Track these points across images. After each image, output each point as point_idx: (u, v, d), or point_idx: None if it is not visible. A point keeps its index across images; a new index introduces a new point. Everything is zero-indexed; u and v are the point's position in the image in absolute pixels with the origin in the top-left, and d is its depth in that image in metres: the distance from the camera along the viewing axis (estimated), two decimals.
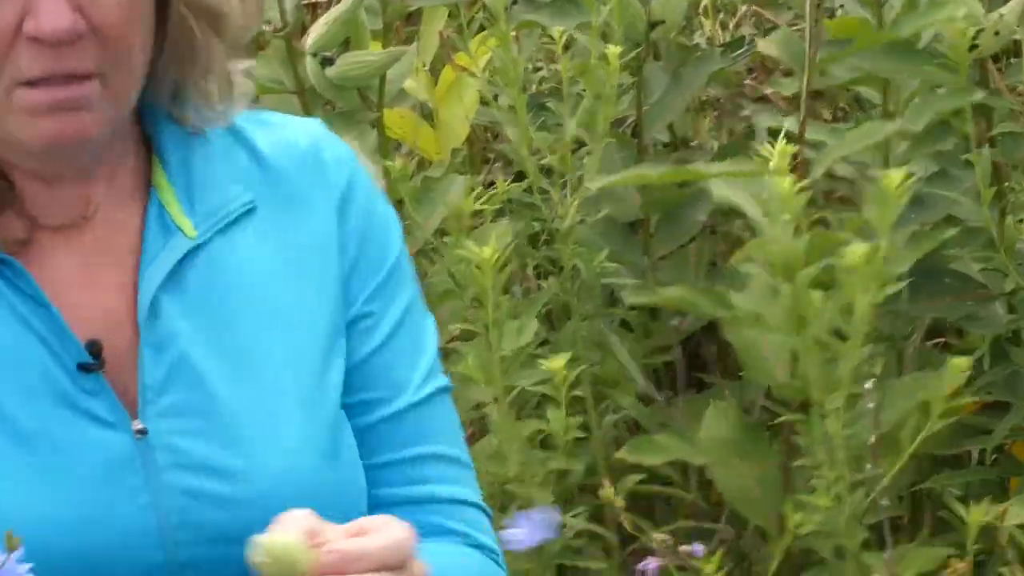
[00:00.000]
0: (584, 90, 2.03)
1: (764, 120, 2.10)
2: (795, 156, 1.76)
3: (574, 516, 1.76)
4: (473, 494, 1.50)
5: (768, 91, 2.14)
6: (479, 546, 1.48)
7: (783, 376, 1.79)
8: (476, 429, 1.93)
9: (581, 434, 1.77)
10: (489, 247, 1.70)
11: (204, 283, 1.44)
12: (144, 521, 1.40)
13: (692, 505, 1.98)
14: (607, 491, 1.50)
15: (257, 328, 1.45)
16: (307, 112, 2.04)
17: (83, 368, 1.39)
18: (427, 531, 1.46)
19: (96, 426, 1.40)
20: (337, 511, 1.43)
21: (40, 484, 1.41)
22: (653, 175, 1.94)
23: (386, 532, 1.26)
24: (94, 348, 1.41)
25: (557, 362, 1.71)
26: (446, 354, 1.90)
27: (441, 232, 1.90)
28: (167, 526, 1.41)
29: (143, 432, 1.40)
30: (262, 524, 1.39)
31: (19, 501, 1.41)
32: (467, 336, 1.88)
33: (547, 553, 1.75)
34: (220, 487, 1.41)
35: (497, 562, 1.49)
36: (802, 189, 1.69)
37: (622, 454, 1.84)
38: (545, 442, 1.82)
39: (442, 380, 1.50)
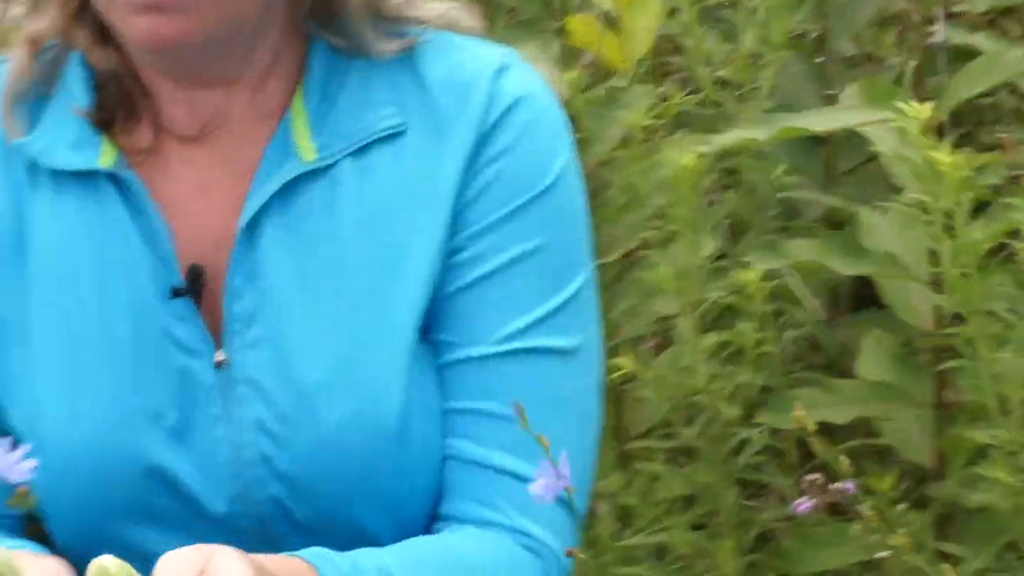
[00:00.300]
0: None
1: (953, 36, 2.05)
2: None
3: (759, 432, 1.74)
4: (532, 469, 1.37)
5: (959, 8, 2.10)
6: (512, 529, 1.41)
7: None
8: (660, 340, 1.92)
9: (768, 348, 1.75)
10: (680, 158, 1.68)
11: (313, 210, 1.42)
12: (218, 453, 1.40)
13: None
14: (798, 412, 1.46)
15: (356, 264, 1.41)
16: (490, 21, 2.02)
17: (177, 292, 1.39)
18: (463, 500, 1.43)
19: (180, 353, 1.40)
20: (405, 463, 1.43)
21: (114, 404, 1.41)
22: (798, 128, 1.88)
23: None
24: (193, 273, 1.40)
25: (750, 274, 1.70)
26: (628, 267, 1.89)
27: (623, 143, 1.89)
28: (240, 460, 1.40)
29: (225, 363, 1.40)
30: (332, 469, 1.39)
31: (91, 416, 1.41)
32: (647, 249, 1.86)
33: (730, 466, 1.73)
34: (292, 427, 1.39)
35: (533, 548, 1.42)
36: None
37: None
38: (728, 357, 1.80)
39: (542, 342, 1.43)
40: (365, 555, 1.32)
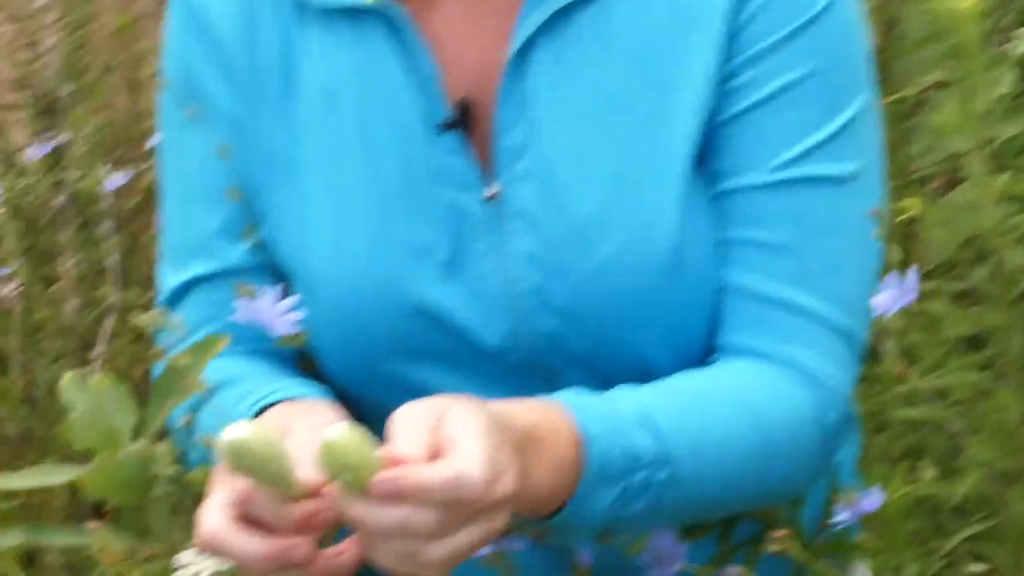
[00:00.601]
0: None
1: None
2: None
3: None
4: (812, 301, 1.39)
5: None
6: (789, 361, 1.39)
7: None
8: (949, 178, 1.88)
9: None
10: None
11: (584, 38, 1.41)
12: (491, 287, 1.41)
13: None
14: None
15: (628, 92, 1.41)
16: None
17: (445, 126, 1.39)
18: (738, 331, 1.42)
19: (450, 187, 1.41)
20: (680, 294, 1.40)
21: (384, 241, 1.44)
22: None
23: (460, 460, 1.14)
24: (462, 106, 1.40)
25: None
26: (920, 104, 1.85)
27: None
28: (513, 293, 1.40)
29: (496, 196, 1.39)
30: (606, 301, 1.38)
31: (360, 253, 1.44)
32: (941, 86, 1.82)
33: (1018, 310, 1.69)
34: (565, 259, 1.40)
35: (810, 381, 1.39)
36: None
37: None
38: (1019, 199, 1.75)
39: (818, 170, 1.40)
40: (625, 396, 1.32)
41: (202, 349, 1.37)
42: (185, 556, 1.29)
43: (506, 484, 1.16)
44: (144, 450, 1.35)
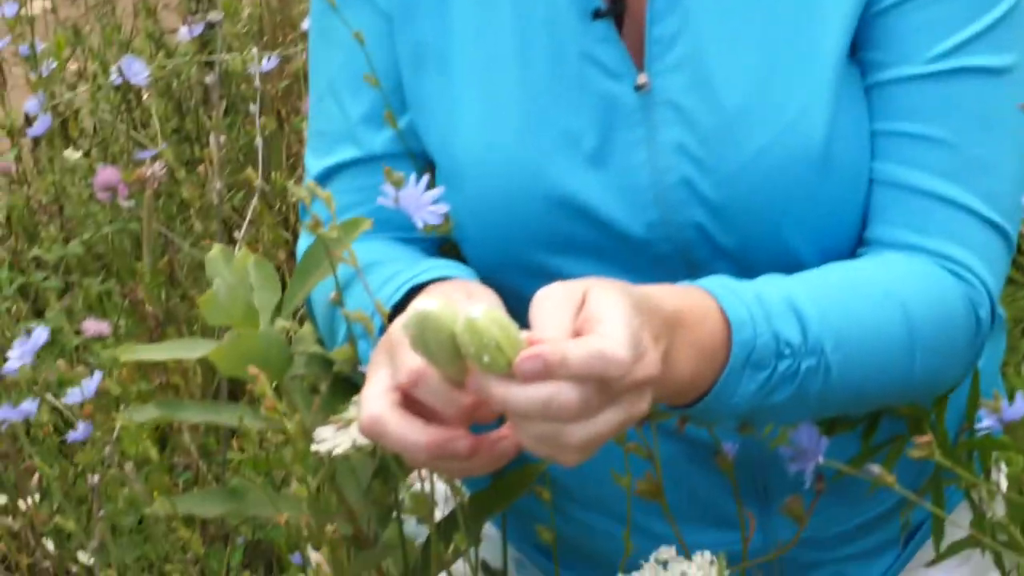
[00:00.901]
0: None
1: None
2: None
3: None
4: (966, 196, 1.36)
5: None
6: (939, 254, 1.36)
7: None
8: None
9: None
10: None
11: None
12: (639, 177, 1.39)
13: None
14: None
15: None
16: None
17: (598, 14, 1.36)
18: (888, 224, 1.40)
19: (600, 75, 1.39)
20: (831, 187, 1.37)
21: (533, 130, 1.43)
22: None
23: (604, 338, 1.12)
24: None
25: None
26: None
27: None
28: (661, 184, 1.38)
29: (646, 86, 1.36)
30: (756, 193, 1.36)
31: (509, 143, 1.43)
32: None
33: None
34: (707, 151, 1.38)
35: (960, 274, 1.36)
36: None
37: None
38: None
39: (974, 61, 1.37)
40: (771, 284, 1.30)
41: (347, 228, 1.36)
42: (324, 432, 1.29)
43: (648, 366, 1.15)
44: (283, 328, 1.34)
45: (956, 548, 1.47)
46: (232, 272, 1.35)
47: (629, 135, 1.41)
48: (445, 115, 1.46)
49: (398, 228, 1.48)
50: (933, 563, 1.53)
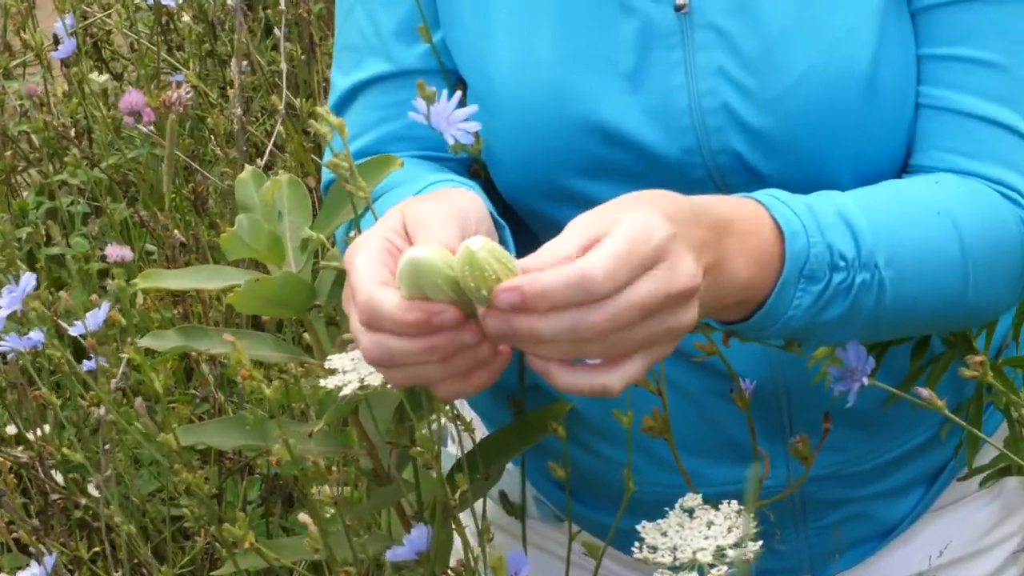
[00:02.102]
0: None
1: None
2: None
3: None
4: (1018, 120, 1.33)
5: None
6: (991, 179, 1.33)
7: None
8: None
9: None
10: None
11: None
12: (676, 101, 1.36)
13: None
14: None
15: None
16: None
17: None
18: (937, 150, 1.35)
19: None
20: (875, 114, 1.33)
21: (569, 52, 1.39)
22: None
23: (583, 261, 1.09)
24: None
25: None
26: None
27: None
28: (698, 110, 1.35)
29: (685, 7, 1.34)
30: (783, 124, 1.32)
31: (544, 65, 1.39)
32: None
33: None
34: (748, 76, 1.35)
35: (1015, 199, 1.32)
36: None
37: None
38: None
39: None
40: (821, 197, 1.26)
41: (376, 165, 1.31)
42: (338, 360, 1.24)
43: (682, 276, 1.11)
44: (305, 268, 1.29)
45: (988, 467, 1.45)
46: (260, 200, 1.30)
47: (666, 57, 1.37)
48: (480, 35, 1.42)
49: (427, 145, 1.46)
50: (964, 478, 1.52)
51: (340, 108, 1.51)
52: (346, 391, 1.21)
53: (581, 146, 1.39)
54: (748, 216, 1.22)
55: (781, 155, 1.36)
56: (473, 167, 1.48)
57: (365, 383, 1.21)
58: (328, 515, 1.29)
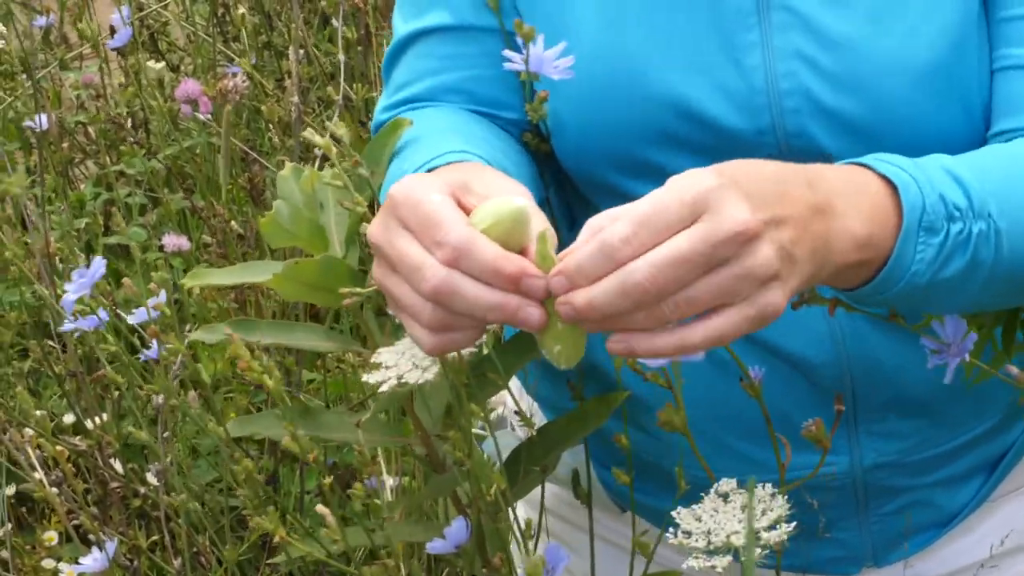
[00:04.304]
0: None
1: None
2: None
3: None
4: None
5: None
6: None
7: None
8: None
9: None
10: None
11: None
12: (752, 81, 1.35)
13: None
14: None
15: None
16: None
17: None
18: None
19: None
20: (954, 97, 1.34)
21: (649, 28, 1.39)
22: None
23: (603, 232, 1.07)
24: None
25: None
26: None
27: None
28: (775, 91, 1.35)
29: None
30: (866, 108, 1.30)
31: (626, 39, 1.39)
32: None
33: None
34: (831, 59, 1.34)
35: None
36: None
37: None
38: None
39: None
40: (922, 158, 1.23)
41: (386, 133, 1.30)
42: (384, 355, 1.23)
43: (727, 220, 1.07)
44: (351, 256, 1.28)
45: None
46: (300, 189, 1.29)
47: (744, 38, 1.37)
48: (557, 5, 1.41)
49: (481, 101, 1.45)
50: None
51: (397, 53, 1.51)
52: (384, 388, 1.19)
53: (655, 120, 1.38)
54: (852, 175, 1.19)
55: (859, 138, 1.35)
56: (526, 134, 1.47)
57: (403, 380, 1.20)
58: (381, 503, 1.29)
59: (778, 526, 1.14)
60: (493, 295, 1.09)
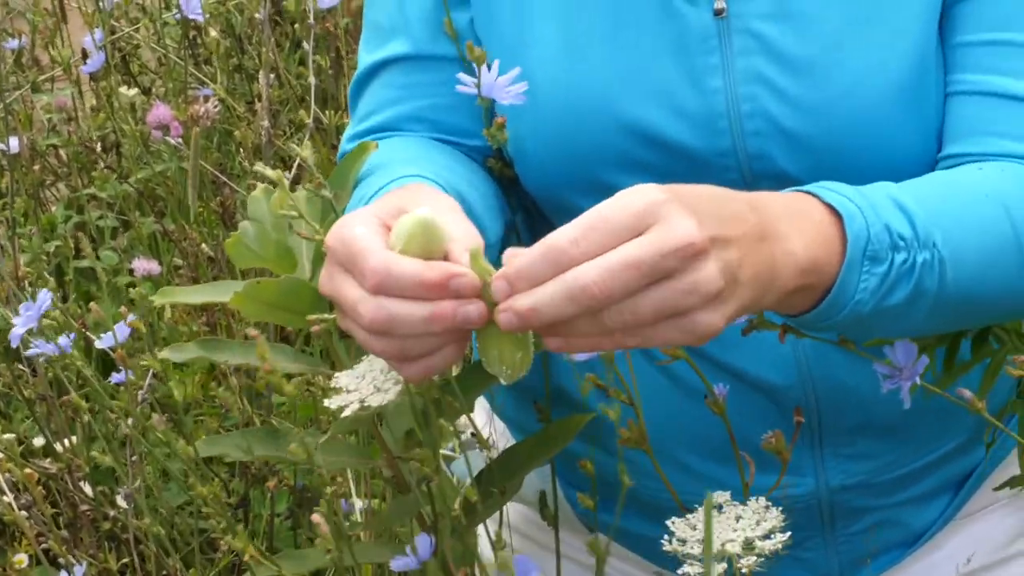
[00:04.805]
0: None
1: None
2: None
3: None
4: None
5: None
6: None
7: None
8: None
9: None
10: None
11: None
12: (713, 104, 1.36)
13: None
14: None
15: None
16: None
17: None
18: (980, 136, 1.34)
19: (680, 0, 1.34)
20: (918, 118, 1.35)
21: (609, 52, 1.39)
22: None
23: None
24: None
25: None
26: None
27: None
28: (736, 114, 1.36)
29: (723, 12, 1.35)
30: (827, 132, 1.31)
31: (587, 63, 1.39)
32: None
33: None
34: (792, 83, 1.35)
35: None
36: None
37: None
38: None
39: None
40: (868, 187, 1.24)
41: (354, 156, 1.31)
42: (343, 379, 1.23)
43: (674, 232, 1.07)
44: (314, 276, 1.28)
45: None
46: (270, 209, 1.29)
47: (705, 61, 1.37)
48: (516, 27, 1.42)
49: (444, 129, 1.47)
50: (1000, 487, 1.48)
51: (362, 83, 1.52)
52: (347, 412, 1.19)
53: (617, 144, 1.39)
54: (795, 202, 1.20)
55: (819, 161, 1.36)
56: (489, 160, 1.48)
57: (366, 403, 1.20)
58: (348, 523, 1.29)
59: (773, 535, 1.16)
60: (425, 307, 1.10)
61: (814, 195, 1.21)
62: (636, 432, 1.26)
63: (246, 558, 1.26)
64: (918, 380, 1.26)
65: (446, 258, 1.12)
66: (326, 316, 1.21)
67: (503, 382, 1.14)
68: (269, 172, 1.18)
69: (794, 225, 1.16)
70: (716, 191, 1.14)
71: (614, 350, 1.13)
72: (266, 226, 1.28)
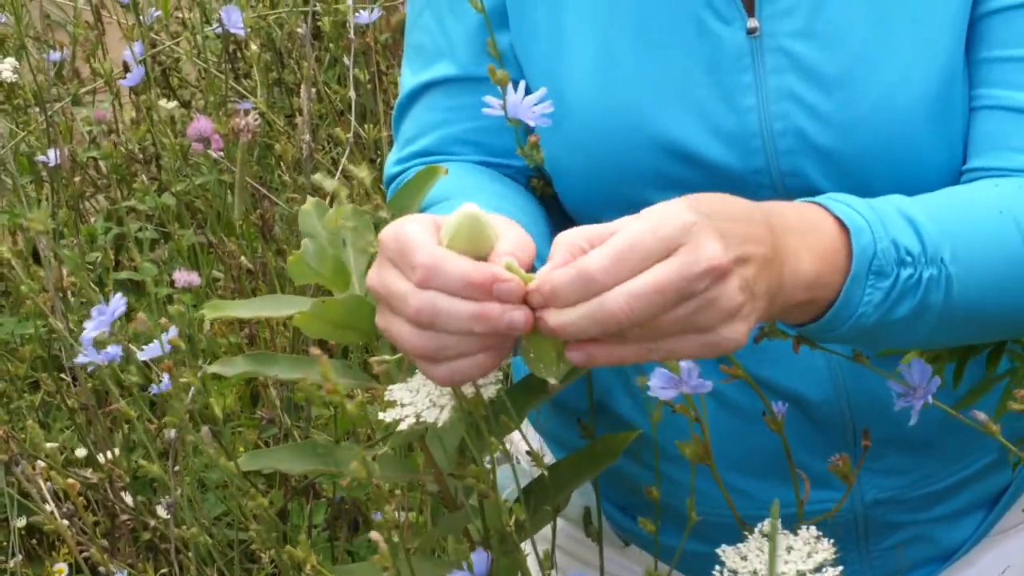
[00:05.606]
0: None
1: None
2: None
3: None
4: None
5: None
6: None
7: None
8: None
9: None
10: None
11: None
12: (746, 123, 1.37)
13: None
14: None
15: None
16: None
17: None
18: (1004, 151, 1.36)
19: (713, 18, 1.36)
20: (947, 130, 1.36)
21: (644, 71, 1.40)
22: None
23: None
24: None
25: None
26: None
27: None
28: (769, 132, 1.37)
29: (756, 31, 1.36)
30: (858, 147, 1.32)
31: (621, 83, 1.40)
32: None
33: None
34: (823, 99, 1.36)
35: None
36: None
37: None
38: None
39: None
40: (880, 200, 1.26)
41: (422, 179, 1.32)
42: (398, 392, 1.24)
43: (702, 256, 1.10)
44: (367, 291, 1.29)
45: None
46: (324, 227, 1.30)
47: (738, 80, 1.38)
48: (553, 48, 1.43)
49: (489, 152, 1.48)
50: None
51: (405, 106, 1.53)
52: (403, 426, 1.20)
53: (652, 163, 1.40)
54: (808, 214, 1.22)
55: (850, 177, 1.37)
56: (532, 180, 1.49)
57: (422, 418, 1.21)
58: (394, 540, 1.29)
59: (824, 569, 1.16)
60: (471, 305, 1.11)
61: (824, 206, 1.22)
62: (701, 447, 1.27)
63: (307, 570, 1.27)
64: (930, 400, 1.27)
65: (492, 254, 1.13)
66: (388, 358, 1.22)
67: (551, 380, 1.15)
68: (328, 183, 1.19)
69: (804, 240, 1.19)
70: (739, 207, 1.16)
71: (636, 363, 1.14)
72: (323, 242, 1.30)
